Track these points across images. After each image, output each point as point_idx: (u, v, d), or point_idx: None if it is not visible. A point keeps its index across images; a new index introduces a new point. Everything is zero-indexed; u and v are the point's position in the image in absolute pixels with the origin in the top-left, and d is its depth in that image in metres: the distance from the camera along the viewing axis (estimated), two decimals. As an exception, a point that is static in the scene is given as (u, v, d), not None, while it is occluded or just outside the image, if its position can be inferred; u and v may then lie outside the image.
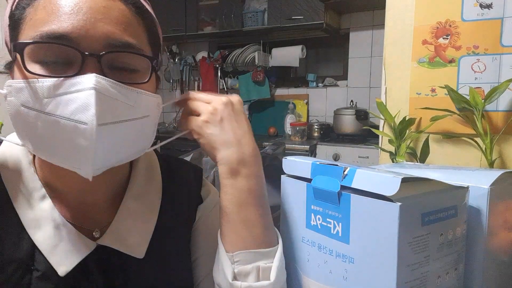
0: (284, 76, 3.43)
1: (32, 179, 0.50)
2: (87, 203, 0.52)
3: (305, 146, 2.60)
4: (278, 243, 0.54)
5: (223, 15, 3.18)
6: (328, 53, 3.28)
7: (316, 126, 2.93)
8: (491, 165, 0.96)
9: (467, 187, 0.50)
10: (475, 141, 1.00)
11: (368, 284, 0.46)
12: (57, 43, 0.42)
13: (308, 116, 3.21)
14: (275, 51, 3.16)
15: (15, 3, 0.46)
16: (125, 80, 0.45)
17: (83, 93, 0.41)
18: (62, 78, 0.42)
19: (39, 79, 0.42)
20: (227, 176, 0.53)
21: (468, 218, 0.50)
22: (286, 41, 3.22)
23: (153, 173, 0.59)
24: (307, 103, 3.21)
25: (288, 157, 0.59)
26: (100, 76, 0.42)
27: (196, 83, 3.62)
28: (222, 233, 0.54)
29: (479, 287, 0.52)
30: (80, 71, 0.42)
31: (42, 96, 0.42)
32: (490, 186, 0.51)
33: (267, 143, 1.80)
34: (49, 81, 0.42)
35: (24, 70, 0.42)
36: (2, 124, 1.87)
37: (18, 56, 0.43)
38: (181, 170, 0.64)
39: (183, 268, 0.60)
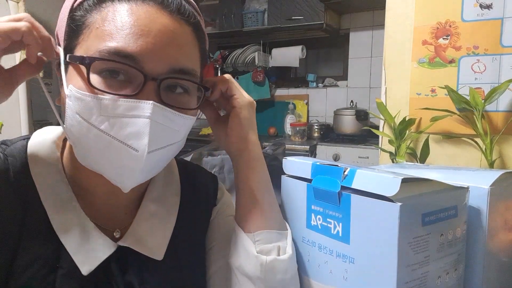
0: (284, 76, 3.43)
1: (60, 178, 0.50)
2: (111, 204, 0.53)
3: (305, 147, 2.60)
4: (287, 229, 0.57)
5: (223, 15, 3.18)
6: (328, 53, 3.28)
7: (316, 127, 2.93)
8: (491, 165, 0.96)
9: (467, 187, 0.50)
10: (475, 142, 1.00)
11: (368, 284, 0.46)
12: (124, 63, 0.43)
13: (308, 116, 3.21)
14: (275, 51, 3.16)
15: (77, 2, 0.46)
16: (176, 101, 0.47)
17: (139, 120, 0.43)
18: (121, 99, 0.43)
19: (98, 95, 0.43)
20: (259, 157, 0.57)
21: (468, 218, 0.50)
22: (286, 41, 3.22)
23: (172, 177, 0.60)
24: (307, 103, 3.21)
25: (289, 158, 0.59)
26: (157, 104, 0.44)
27: (196, 83, 3.62)
28: (242, 216, 0.55)
29: (479, 287, 0.52)
30: (139, 93, 0.44)
31: (98, 113, 0.43)
32: (490, 186, 0.51)
33: (267, 143, 1.80)
34: (107, 99, 0.43)
35: (88, 84, 0.43)
36: (2, 124, 1.87)
37: (83, 68, 0.44)
38: (198, 174, 0.65)
39: (199, 270, 0.60)
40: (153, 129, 0.43)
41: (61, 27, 0.49)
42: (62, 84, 0.47)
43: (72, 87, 0.44)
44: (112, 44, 0.43)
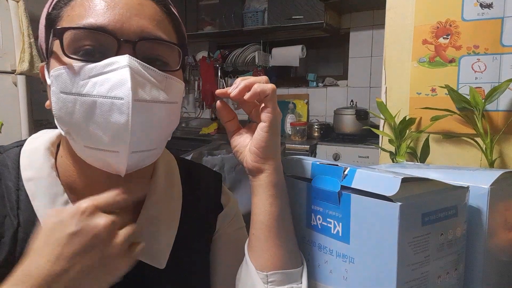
0: (284, 75, 3.43)
1: (55, 184, 0.49)
2: None
3: (305, 146, 2.60)
4: (303, 263, 0.53)
5: (223, 15, 3.18)
6: (328, 53, 3.28)
7: (316, 126, 2.93)
8: (491, 165, 0.96)
9: (467, 187, 0.50)
10: (475, 141, 1.00)
11: (368, 284, 0.46)
12: (95, 30, 0.44)
13: (308, 116, 3.21)
14: (275, 51, 3.16)
15: (52, 4, 0.48)
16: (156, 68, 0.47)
17: (118, 71, 0.43)
18: (97, 62, 0.44)
19: (75, 64, 0.44)
20: (278, 183, 0.52)
21: (468, 218, 0.50)
22: (286, 41, 3.22)
23: (173, 179, 0.58)
24: (307, 103, 3.21)
25: (289, 157, 0.59)
26: (133, 57, 0.44)
27: (196, 83, 3.62)
28: (255, 249, 0.52)
29: (479, 287, 0.52)
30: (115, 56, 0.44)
31: (78, 79, 0.43)
32: (490, 186, 0.51)
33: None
34: (84, 64, 0.43)
35: (63, 55, 0.44)
36: (2, 124, 1.87)
37: (57, 42, 0.45)
38: (200, 175, 0.63)
39: (202, 279, 0.59)
40: (134, 77, 0.43)
41: (41, 36, 0.49)
42: (48, 86, 0.47)
43: (52, 70, 0.45)
44: (82, 21, 0.44)
